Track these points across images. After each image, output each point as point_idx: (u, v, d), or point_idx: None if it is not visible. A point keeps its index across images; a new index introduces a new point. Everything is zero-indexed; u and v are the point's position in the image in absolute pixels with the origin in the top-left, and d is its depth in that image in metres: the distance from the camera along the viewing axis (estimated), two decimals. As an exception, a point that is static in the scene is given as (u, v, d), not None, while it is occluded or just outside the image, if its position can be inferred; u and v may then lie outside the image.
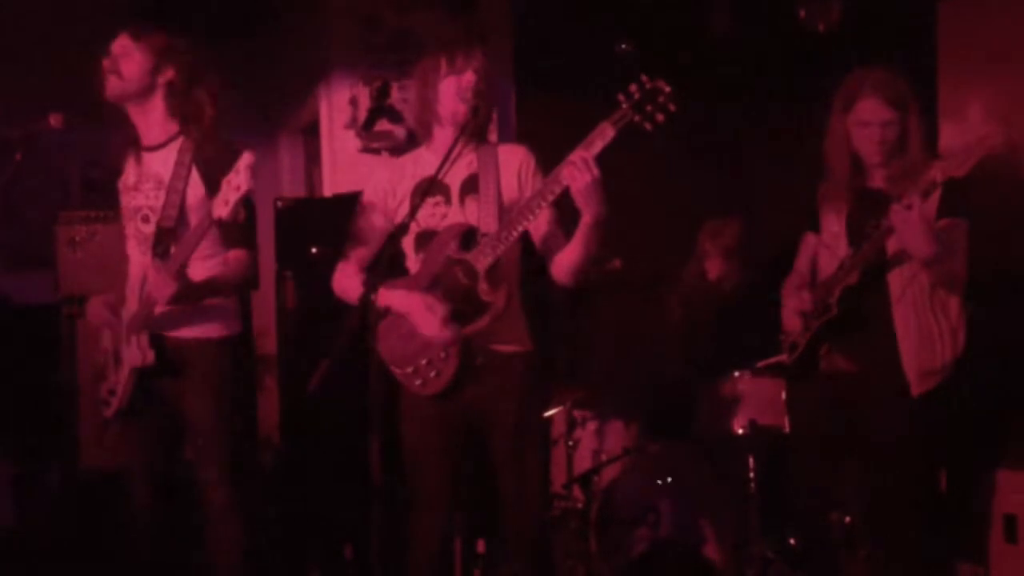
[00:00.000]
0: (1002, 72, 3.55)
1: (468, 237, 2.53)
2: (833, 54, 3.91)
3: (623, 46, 4.15)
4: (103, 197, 2.92)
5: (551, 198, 2.45)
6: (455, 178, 2.59)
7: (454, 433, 2.61)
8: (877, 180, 2.74)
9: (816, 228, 2.88)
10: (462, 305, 2.50)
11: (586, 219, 2.46)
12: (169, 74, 2.67)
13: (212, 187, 2.58)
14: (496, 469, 2.61)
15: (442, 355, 2.53)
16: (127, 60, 2.65)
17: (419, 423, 2.61)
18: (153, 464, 2.71)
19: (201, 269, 2.64)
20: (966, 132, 3.66)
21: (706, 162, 4.28)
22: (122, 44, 2.66)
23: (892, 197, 2.61)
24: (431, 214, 2.58)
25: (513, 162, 2.62)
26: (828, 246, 2.81)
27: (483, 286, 2.49)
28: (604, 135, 2.40)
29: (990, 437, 3.25)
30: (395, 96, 4.08)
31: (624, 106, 2.39)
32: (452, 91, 2.55)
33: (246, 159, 2.36)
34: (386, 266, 2.46)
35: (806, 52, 3.89)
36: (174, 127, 2.69)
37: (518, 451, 2.58)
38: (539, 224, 2.55)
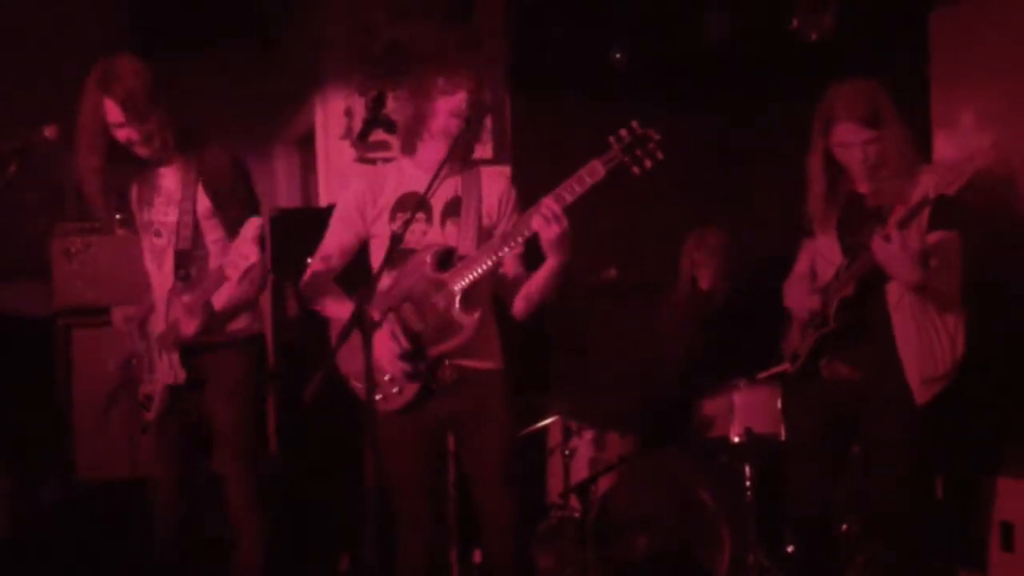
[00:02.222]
0: (994, 80, 3.56)
1: (445, 258, 2.56)
2: (826, 62, 3.92)
3: (617, 55, 4.16)
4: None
5: (523, 239, 2.50)
6: (439, 199, 2.61)
7: (428, 447, 2.62)
8: (864, 187, 2.75)
9: (810, 233, 2.90)
10: (434, 325, 2.52)
11: (551, 263, 2.53)
12: (161, 110, 2.68)
13: (217, 200, 2.68)
14: (471, 485, 2.63)
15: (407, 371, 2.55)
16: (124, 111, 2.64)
17: (392, 438, 2.59)
18: (185, 469, 2.81)
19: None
20: (959, 141, 3.68)
21: (700, 170, 4.29)
22: (113, 112, 2.64)
23: (880, 209, 2.62)
24: (411, 231, 2.57)
25: (496, 190, 2.67)
26: (823, 254, 2.82)
27: (456, 308, 2.51)
28: (594, 173, 2.46)
29: (989, 445, 3.26)
30: (390, 106, 4.09)
31: (615, 148, 2.45)
32: (445, 110, 2.57)
33: (252, 227, 2.40)
34: (374, 278, 2.46)
35: (799, 60, 3.91)
36: (171, 144, 2.73)
37: (489, 469, 2.59)
38: (507, 261, 2.60)
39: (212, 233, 2.72)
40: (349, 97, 4.15)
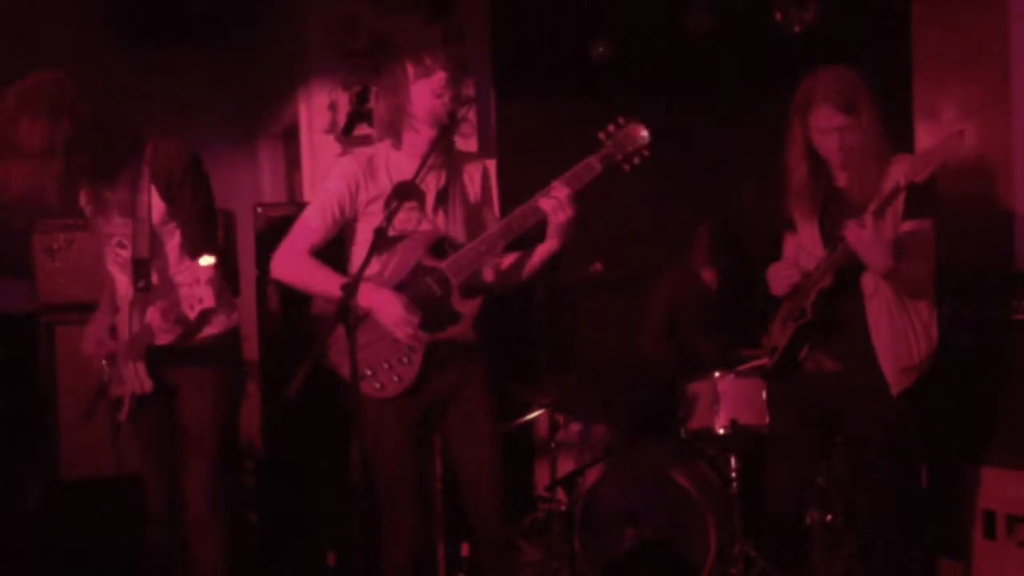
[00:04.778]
0: (976, 70, 3.58)
1: (438, 246, 2.57)
2: (810, 52, 3.93)
3: (600, 48, 4.17)
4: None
5: (529, 223, 2.54)
6: (430, 188, 2.63)
7: (415, 431, 2.65)
8: (842, 180, 2.76)
9: (793, 227, 2.91)
10: (433, 313, 2.54)
11: (553, 245, 2.60)
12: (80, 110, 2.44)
13: (169, 197, 2.57)
14: (458, 471, 2.66)
15: (405, 360, 2.56)
16: (26, 132, 2.41)
17: (380, 426, 2.60)
18: (166, 467, 2.73)
19: (177, 273, 2.65)
20: (941, 131, 3.69)
21: (684, 163, 4.30)
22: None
23: (859, 202, 2.64)
24: (406, 219, 2.58)
25: (476, 173, 2.72)
26: (806, 248, 2.83)
27: (456, 297, 2.54)
28: (592, 169, 2.55)
29: (971, 434, 3.28)
30: (374, 100, 4.08)
31: (607, 145, 2.55)
32: (426, 93, 2.56)
33: (207, 271, 2.29)
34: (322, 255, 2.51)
35: (783, 51, 3.92)
36: (115, 153, 2.58)
37: (474, 440, 2.64)
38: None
39: (171, 239, 2.62)
40: (333, 91, 4.14)
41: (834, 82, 2.67)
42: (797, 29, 3.83)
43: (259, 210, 3.87)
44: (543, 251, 2.62)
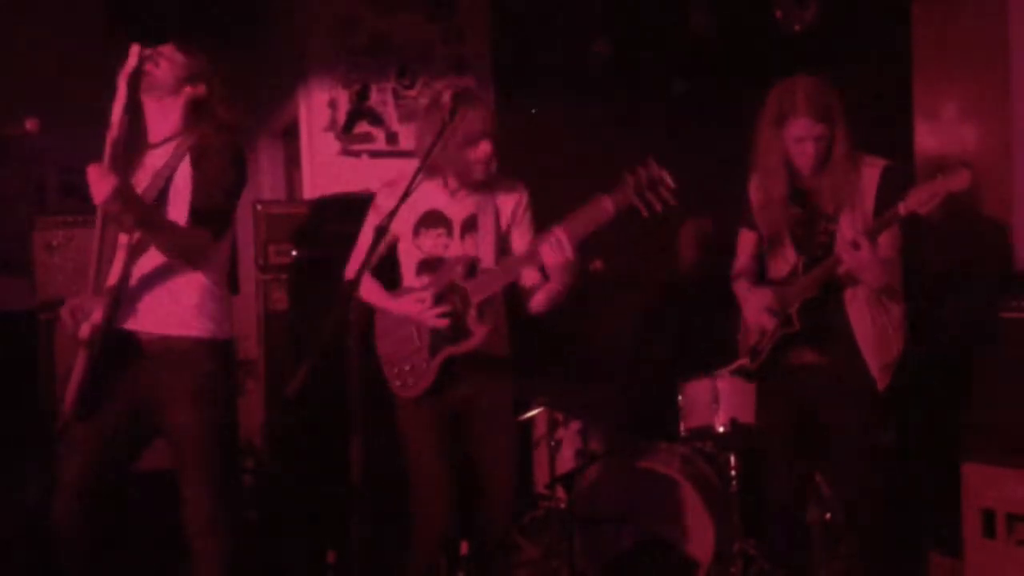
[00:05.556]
0: (976, 71, 3.58)
1: (473, 268, 2.74)
2: (810, 53, 3.94)
3: (600, 48, 4.18)
4: (80, 202, 2.89)
5: (537, 263, 2.64)
6: (458, 215, 2.78)
7: (443, 432, 2.79)
8: (812, 183, 2.78)
9: (750, 224, 2.93)
10: (451, 326, 2.69)
11: (553, 286, 2.73)
12: (200, 89, 2.68)
13: (196, 161, 2.59)
14: (473, 457, 2.81)
15: (424, 365, 2.73)
16: (167, 60, 2.64)
17: (405, 421, 2.82)
18: (102, 470, 2.58)
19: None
20: (941, 132, 3.70)
21: (685, 163, 4.30)
22: (169, 48, 2.67)
23: (827, 205, 2.67)
24: (435, 244, 2.78)
25: (509, 202, 2.81)
26: (775, 251, 2.85)
27: (472, 314, 2.68)
28: (605, 211, 2.47)
29: (970, 433, 3.28)
30: (374, 98, 4.10)
31: (629, 187, 2.44)
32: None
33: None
34: (377, 275, 2.73)
35: (782, 52, 3.92)
36: (181, 129, 2.67)
37: (494, 450, 2.81)
38: (526, 273, 2.78)
39: (177, 210, 2.58)
40: (333, 89, 4.15)
41: (811, 92, 2.69)
42: (797, 28, 3.83)
43: (258, 207, 3.87)
44: (545, 290, 2.76)
